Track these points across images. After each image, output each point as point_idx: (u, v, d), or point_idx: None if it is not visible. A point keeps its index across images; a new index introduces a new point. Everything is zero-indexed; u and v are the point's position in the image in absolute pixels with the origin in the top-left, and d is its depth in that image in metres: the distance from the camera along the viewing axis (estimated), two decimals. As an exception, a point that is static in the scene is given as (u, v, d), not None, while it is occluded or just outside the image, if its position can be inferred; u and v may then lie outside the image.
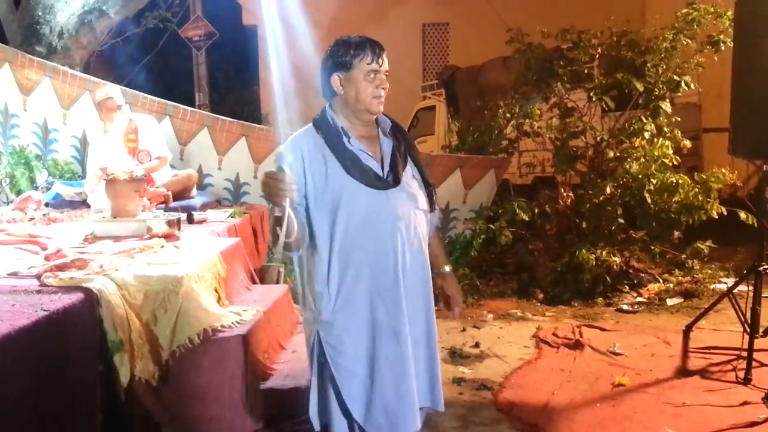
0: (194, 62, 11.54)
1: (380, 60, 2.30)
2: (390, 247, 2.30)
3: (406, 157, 2.42)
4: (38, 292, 2.77)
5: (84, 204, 5.17)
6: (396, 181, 2.34)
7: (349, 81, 2.29)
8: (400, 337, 2.31)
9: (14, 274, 3.12)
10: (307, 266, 2.32)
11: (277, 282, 5.23)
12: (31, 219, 4.64)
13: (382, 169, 2.34)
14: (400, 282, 2.31)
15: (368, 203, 2.26)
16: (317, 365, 2.34)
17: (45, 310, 2.46)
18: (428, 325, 2.44)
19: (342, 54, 2.29)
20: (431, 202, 2.45)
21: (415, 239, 2.37)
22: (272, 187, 2.07)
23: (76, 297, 2.69)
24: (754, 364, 4.05)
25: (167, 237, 3.90)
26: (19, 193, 5.57)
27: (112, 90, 5.32)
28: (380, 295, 2.29)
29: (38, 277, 2.96)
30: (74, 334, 2.62)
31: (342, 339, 2.27)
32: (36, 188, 5.76)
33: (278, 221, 2.11)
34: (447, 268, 2.60)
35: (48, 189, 5.59)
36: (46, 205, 5.23)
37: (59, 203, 5.28)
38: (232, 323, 3.23)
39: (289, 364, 3.58)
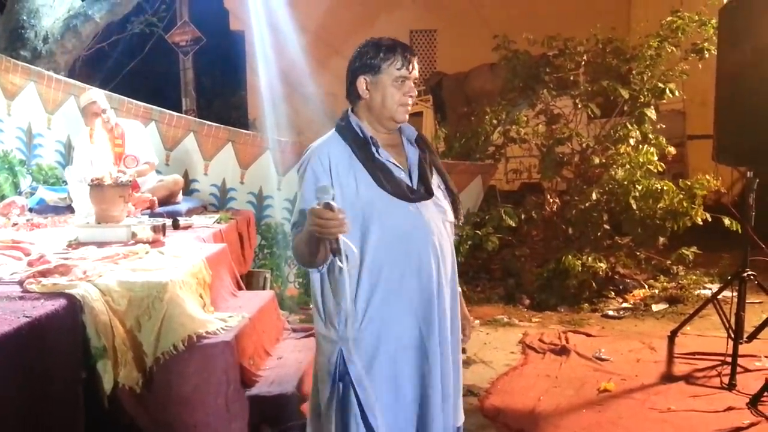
0: (181, 67, 11.48)
1: (410, 66, 2.17)
2: (424, 263, 2.18)
3: (432, 166, 2.31)
4: (21, 298, 2.74)
5: (68, 209, 5.13)
6: (429, 192, 2.23)
7: (376, 85, 2.18)
8: (430, 356, 2.20)
9: (-4, 280, 3.09)
10: (331, 283, 2.19)
11: (264, 288, 5.22)
12: (15, 224, 4.59)
13: (411, 180, 2.23)
14: (434, 299, 2.20)
15: (401, 217, 2.15)
16: (338, 386, 2.17)
17: (27, 317, 2.43)
18: (457, 342, 2.35)
19: (371, 56, 2.17)
20: (456, 212, 2.33)
21: (447, 253, 2.26)
22: (325, 226, 1.91)
23: (59, 303, 2.66)
24: (738, 369, 4.09)
25: (152, 243, 3.88)
26: (2, 198, 5.51)
27: (96, 94, 5.28)
28: (413, 312, 2.18)
29: (21, 283, 2.93)
30: (57, 341, 2.60)
31: (370, 357, 2.14)
32: (20, 193, 5.70)
33: (335, 252, 1.97)
34: (458, 288, 2.42)
35: (32, 194, 5.54)
36: (30, 210, 5.18)
37: (43, 208, 5.23)
38: (218, 329, 3.21)
39: (274, 371, 3.56)
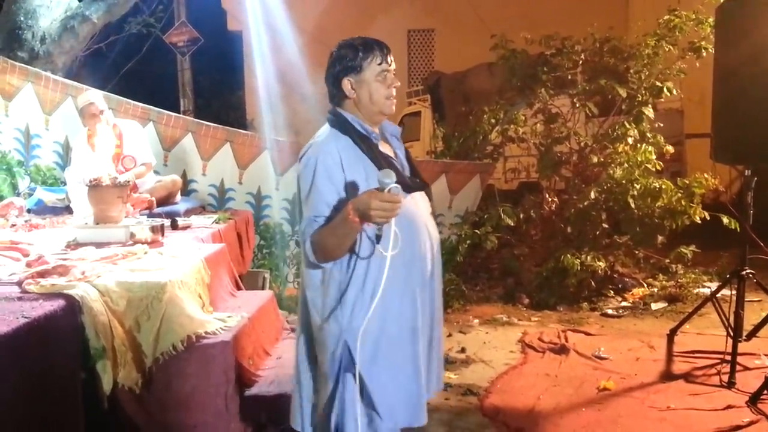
0: (179, 68, 11.50)
1: (389, 59, 2.26)
2: (423, 250, 2.29)
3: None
4: (19, 299, 2.74)
5: (66, 210, 5.12)
6: (423, 184, 2.37)
7: (360, 84, 2.25)
8: (427, 338, 2.34)
9: (-5, 281, 3.09)
10: (337, 274, 2.22)
11: (262, 288, 5.21)
12: (13, 225, 4.59)
13: (404, 172, 2.32)
14: (427, 284, 2.32)
15: (404, 207, 2.16)
16: (344, 377, 2.20)
17: (26, 317, 2.43)
18: (441, 319, 2.47)
19: (351, 57, 2.24)
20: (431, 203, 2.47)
21: (435, 240, 2.37)
22: (390, 210, 1.98)
23: (57, 304, 2.66)
24: (737, 367, 4.09)
25: (151, 243, 3.88)
26: (0, 199, 5.51)
27: (94, 95, 5.27)
28: (413, 296, 2.26)
29: (19, 283, 2.93)
30: (56, 342, 2.60)
31: (375, 343, 2.20)
32: (18, 194, 5.70)
33: (379, 237, 2.06)
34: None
35: (30, 195, 5.54)
36: (28, 211, 5.18)
37: (41, 209, 5.23)
38: (217, 329, 3.21)
39: (274, 371, 3.56)
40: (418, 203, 2.31)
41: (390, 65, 2.27)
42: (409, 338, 2.27)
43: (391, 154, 2.34)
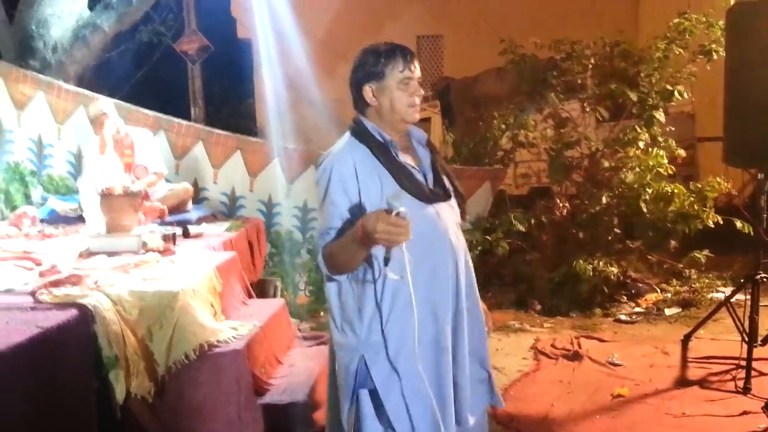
0: (189, 76, 11.54)
1: (412, 66, 2.19)
2: (444, 263, 2.22)
3: (441, 168, 2.35)
4: (33, 309, 2.76)
5: (79, 219, 5.15)
6: (446, 194, 2.28)
7: (382, 91, 2.19)
8: (455, 353, 2.26)
9: (8, 291, 3.11)
10: (353, 287, 2.19)
11: (274, 296, 5.22)
12: (26, 235, 4.62)
13: (426, 182, 2.25)
14: (453, 297, 2.25)
15: (422, 218, 2.14)
16: (359, 393, 2.16)
17: (39, 327, 2.45)
18: (483, 337, 2.42)
19: (372, 63, 2.18)
20: (462, 213, 2.38)
21: (462, 251, 2.31)
22: (396, 234, 1.89)
23: (70, 313, 2.68)
24: (753, 373, 4.05)
25: (163, 252, 3.89)
26: (13, 209, 5.54)
27: (105, 104, 5.30)
28: (433, 311, 2.20)
29: (33, 293, 2.95)
30: (69, 351, 2.61)
31: (392, 359, 2.14)
32: (31, 204, 5.73)
33: (388, 260, 1.98)
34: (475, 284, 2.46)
35: (43, 204, 5.57)
36: (41, 221, 5.21)
37: (54, 219, 5.26)
38: (229, 338, 3.22)
39: (286, 379, 3.55)
40: (440, 213, 2.23)
41: (414, 72, 2.20)
42: (431, 354, 2.20)
43: (414, 163, 2.26)
